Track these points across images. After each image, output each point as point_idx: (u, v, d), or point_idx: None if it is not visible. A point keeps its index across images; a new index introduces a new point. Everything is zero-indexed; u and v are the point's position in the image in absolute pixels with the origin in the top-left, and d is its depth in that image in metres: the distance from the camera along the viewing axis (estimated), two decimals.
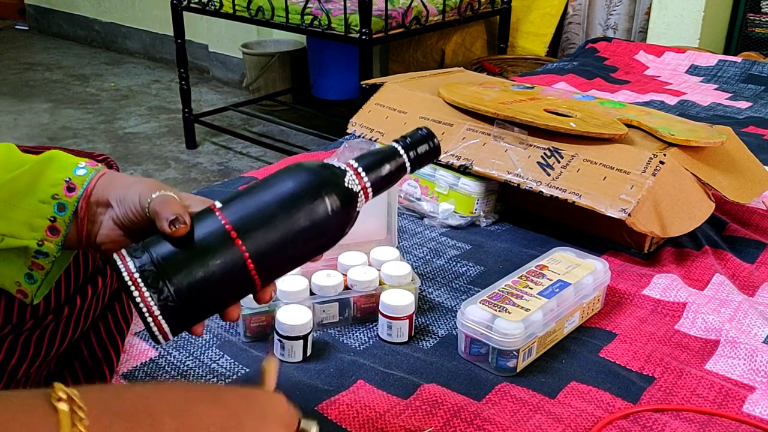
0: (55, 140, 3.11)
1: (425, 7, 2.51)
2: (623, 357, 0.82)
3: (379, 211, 0.96)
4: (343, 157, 0.95)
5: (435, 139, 0.61)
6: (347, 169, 0.57)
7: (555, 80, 1.96)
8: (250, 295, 0.81)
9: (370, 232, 0.96)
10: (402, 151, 0.59)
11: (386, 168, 0.59)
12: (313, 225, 0.54)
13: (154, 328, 0.51)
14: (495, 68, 2.62)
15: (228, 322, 0.87)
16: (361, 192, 0.57)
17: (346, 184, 0.56)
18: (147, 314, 0.50)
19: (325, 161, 0.58)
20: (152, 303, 0.50)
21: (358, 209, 0.58)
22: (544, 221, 1.15)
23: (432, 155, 0.61)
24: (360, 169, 0.57)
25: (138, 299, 0.50)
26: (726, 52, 2.72)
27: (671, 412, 0.74)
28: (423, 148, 0.60)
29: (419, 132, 0.60)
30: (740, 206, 1.18)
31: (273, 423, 0.48)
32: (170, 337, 0.52)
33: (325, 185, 0.55)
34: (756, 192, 1.13)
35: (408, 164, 0.60)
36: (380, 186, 0.59)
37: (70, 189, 0.56)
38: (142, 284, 0.50)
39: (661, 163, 1.01)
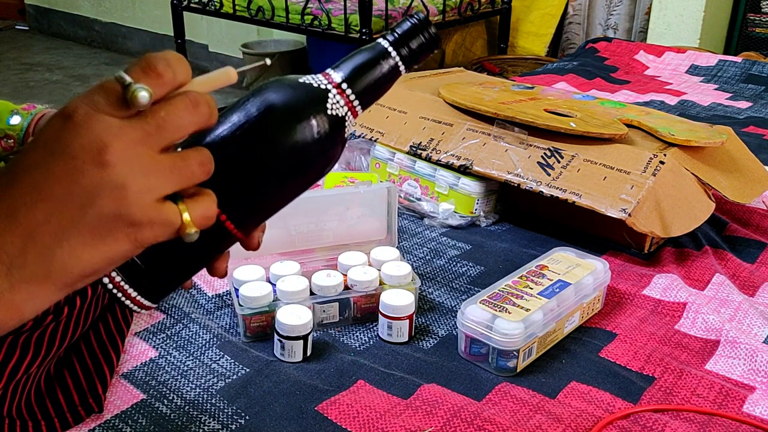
0: None
1: (425, 7, 2.51)
2: (623, 357, 0.82)
3: (379, 211, 0.96)
4: (343, 157, 0.95)
5: (430, 28, 0.49)
6: (328, 85, 0.47)
7: (555, 80, 1.96)
8: (250, 296, 0.83)
9: (370, 232, 0.96)
10: (392, 50, 0.49)
11: (375, 74, 0.48)
12: (293, 163, 0.45)
13: (130, 304, 0.44)
14: (495, 68, 2.62)
15: (228, 323, 0.87)
16: (348, 113, 0.47)
17: (328, 110, 0.46)
18: (116, 291, 0.43)
19: (302, 79, 0.47)
20: (118, 278, 0.43)
21: (346, 136, 0.48)
22: (544, 221, 1.15)
23: (429, 47, 0.50)
24: (344, 85, 0.47)
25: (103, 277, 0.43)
26: (726, 52, 2.72)
27: (671, 412, 0.74)
28: (417, 41, 0.49)
29: (409, 21, 0.49)
30: (740, 206, 1.18)
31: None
32: (152, 307, 0.45)
33: (301, 113, 0.45)
34: (756, 192, 1.13)
35: (401, 64, 0.49)
36: (370, 100, 0.49)
37: (9, 139, 0.52)
38: None
39: (662, 163, 1.01)
